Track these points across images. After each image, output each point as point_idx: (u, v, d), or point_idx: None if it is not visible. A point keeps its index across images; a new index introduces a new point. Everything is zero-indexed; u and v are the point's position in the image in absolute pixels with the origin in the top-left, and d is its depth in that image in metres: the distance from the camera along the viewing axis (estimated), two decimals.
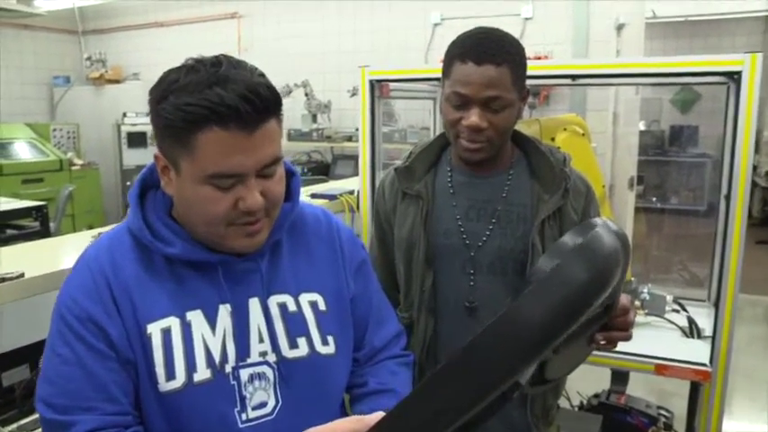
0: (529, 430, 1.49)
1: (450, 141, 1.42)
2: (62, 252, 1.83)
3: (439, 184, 1.49)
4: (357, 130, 6.57)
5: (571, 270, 0.55)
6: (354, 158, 5.80)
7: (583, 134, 2.27)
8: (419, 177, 1.49)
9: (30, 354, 1.61)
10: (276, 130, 0.96)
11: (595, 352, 1.99)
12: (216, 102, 0.88)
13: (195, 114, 0.89)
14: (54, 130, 6.57)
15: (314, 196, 2.58)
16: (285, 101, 4.68)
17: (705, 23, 6.74)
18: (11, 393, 1.58)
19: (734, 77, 1.73)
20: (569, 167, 1.43)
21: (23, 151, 6.01)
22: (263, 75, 0.95)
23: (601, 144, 4.83)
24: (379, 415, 0.59)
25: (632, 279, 2.29)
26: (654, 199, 7.66)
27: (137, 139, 6.60)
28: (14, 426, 1.49)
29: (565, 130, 2.24)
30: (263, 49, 6.52)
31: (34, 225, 4.18)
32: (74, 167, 6.23)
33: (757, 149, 8.02)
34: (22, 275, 1.39)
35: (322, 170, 5.94)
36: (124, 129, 6.59)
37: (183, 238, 1.01)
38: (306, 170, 5.90)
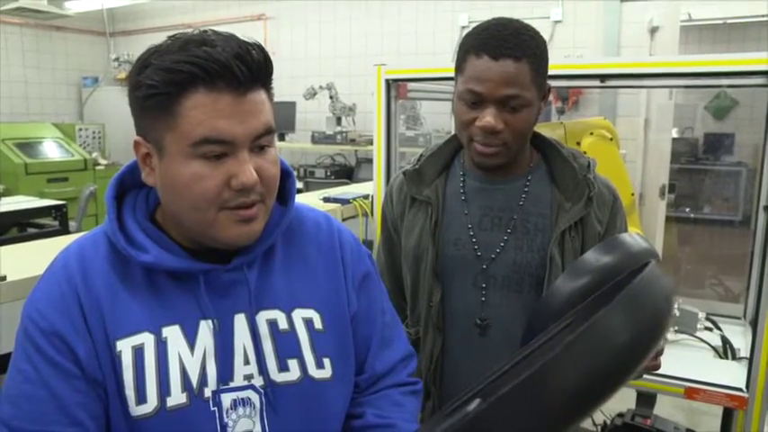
0: None
1: (463, 144, 1.31)
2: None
3: (450, 190, 1.38)
4: None
5: (614, 327, 0.45)
6: (389, 186, 5.68)
7: (611, 139, 2.14)
8: (429, 182, 1.38)
9: None
10: (267, 101, 0.87)
11: None
12: (204, 58, 0.79)
13: (182, 73, 0.80)
14: (80, 129, 6.61)
15: (326, 200, 2.49)
16: (310, 103, 4.62)
17: (744, 26, 6.50)
18: None
19: None
20: (594, 174, 1.31)
21: (50, 151, 6.05)
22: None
23: (631, 151, 4.68)
24: None
25: None
26: (687, 209, 7.43)
27: None
28: None
29: (591, 134, 2.11)
30: (289, 51, 6.48)
31: (54, 224, 4.18)
32: (98, 167, 6.25)
33: None
34: (3, 278, 1.31)
35: (345, 173, 5.86)
36: None
37: (161, 243, 0.90)
38: (329, 173, 5.83)
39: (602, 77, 1.98)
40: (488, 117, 1.18)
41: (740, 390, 1.74)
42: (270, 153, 0.88)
